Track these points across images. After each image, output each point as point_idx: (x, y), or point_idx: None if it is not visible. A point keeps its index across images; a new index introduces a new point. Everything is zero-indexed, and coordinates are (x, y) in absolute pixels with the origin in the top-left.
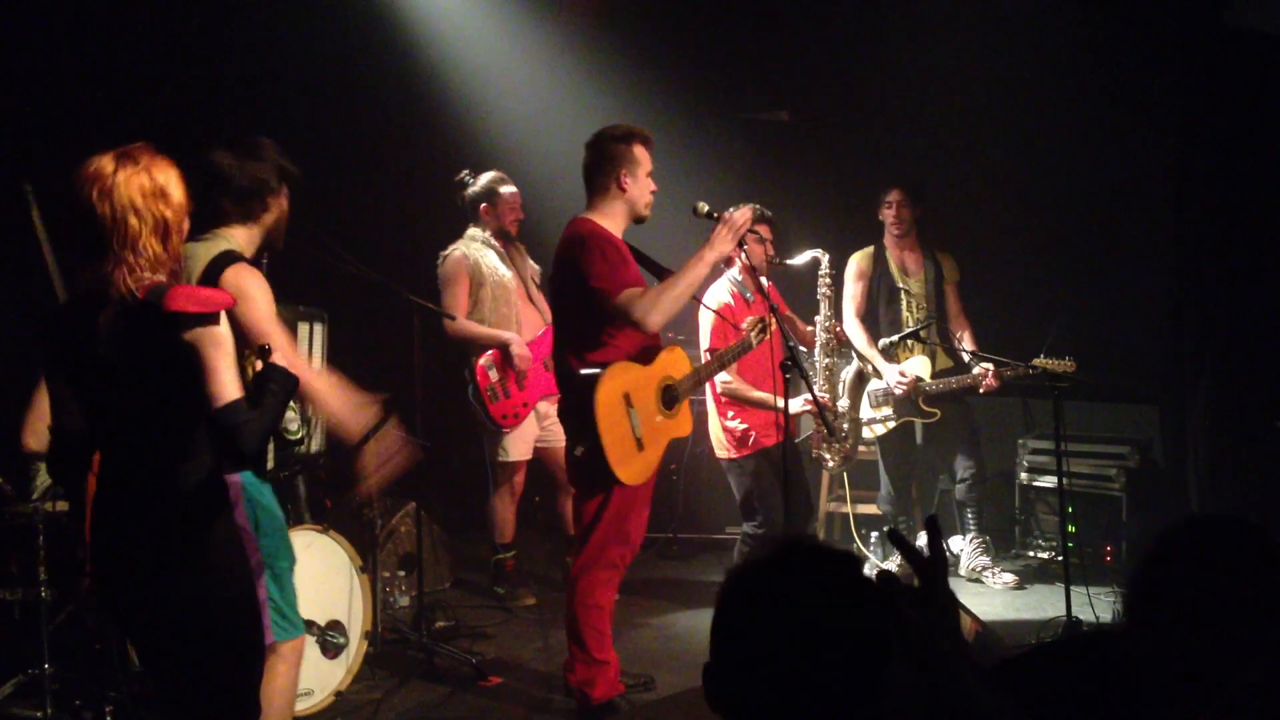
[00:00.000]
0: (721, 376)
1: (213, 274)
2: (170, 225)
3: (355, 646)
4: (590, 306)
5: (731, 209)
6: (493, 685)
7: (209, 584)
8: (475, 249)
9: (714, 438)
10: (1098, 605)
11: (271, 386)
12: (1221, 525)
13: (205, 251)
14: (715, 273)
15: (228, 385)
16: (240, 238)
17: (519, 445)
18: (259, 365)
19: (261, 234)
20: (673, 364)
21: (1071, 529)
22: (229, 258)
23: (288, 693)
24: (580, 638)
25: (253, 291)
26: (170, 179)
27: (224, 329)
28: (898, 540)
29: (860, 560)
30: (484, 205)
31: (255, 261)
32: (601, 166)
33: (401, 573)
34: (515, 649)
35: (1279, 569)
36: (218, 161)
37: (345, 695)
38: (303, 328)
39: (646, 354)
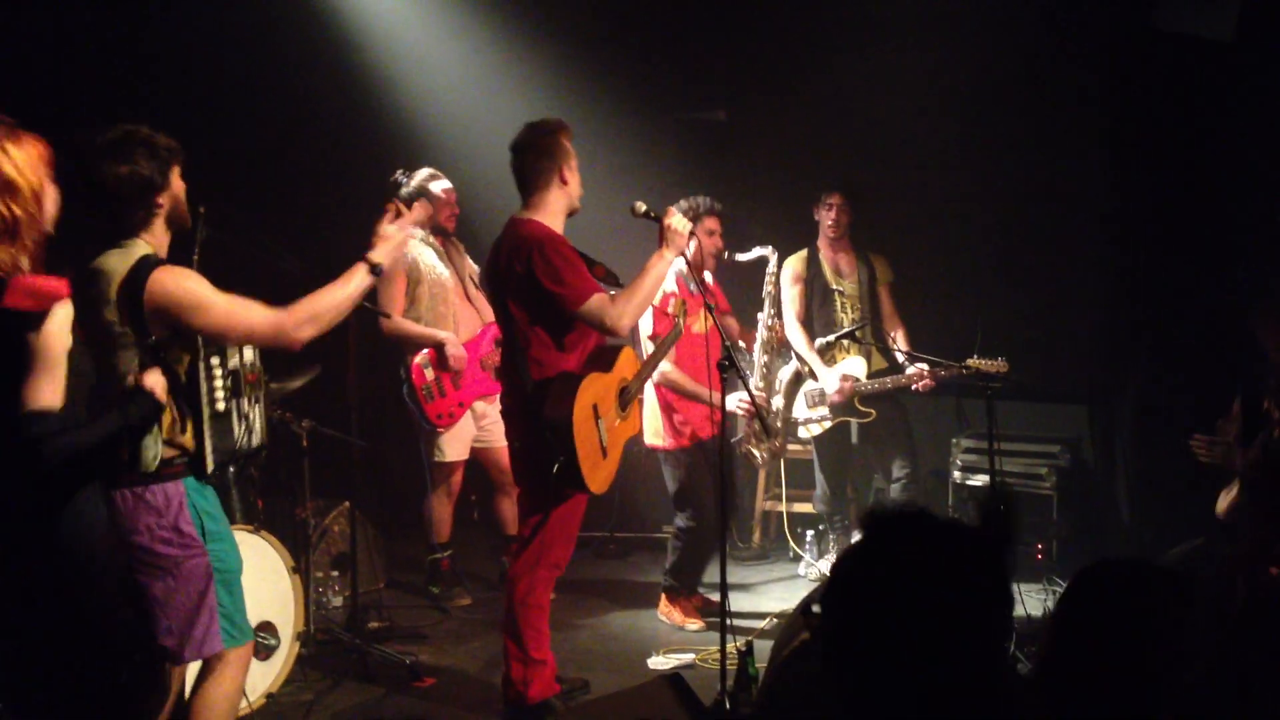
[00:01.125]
0: (660, 366)
1: (137, 284)
2: (19, 223)
3: (287, 648)
4: (549, 312)
5: (681, 203)
6: (427, 686)
7: (60, 577)
8: (413, 247)
9: (649, 428)
10: (1029, 603)
11: (128, 409)
12: (1124, 569)
13: (120, 263)
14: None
15: (41, 391)
16: (150, 239)
17: (456, 445)
18: (131, 381)
19: (165, 227)
20: (627, 365)
21: None
22: (148, 264)
23: (232, 699)
24: (519, 637)
25: (187, 290)
26: (22, 165)
27: (52, 329)
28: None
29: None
30: (417, 204)
31: (184, 259)
32: (542, 163)
33: (335, 573)
34: (450, 649)
35: (1179, 608)
36: (97, 172)
37: (277, 697)
38: None
39: (604, 356)
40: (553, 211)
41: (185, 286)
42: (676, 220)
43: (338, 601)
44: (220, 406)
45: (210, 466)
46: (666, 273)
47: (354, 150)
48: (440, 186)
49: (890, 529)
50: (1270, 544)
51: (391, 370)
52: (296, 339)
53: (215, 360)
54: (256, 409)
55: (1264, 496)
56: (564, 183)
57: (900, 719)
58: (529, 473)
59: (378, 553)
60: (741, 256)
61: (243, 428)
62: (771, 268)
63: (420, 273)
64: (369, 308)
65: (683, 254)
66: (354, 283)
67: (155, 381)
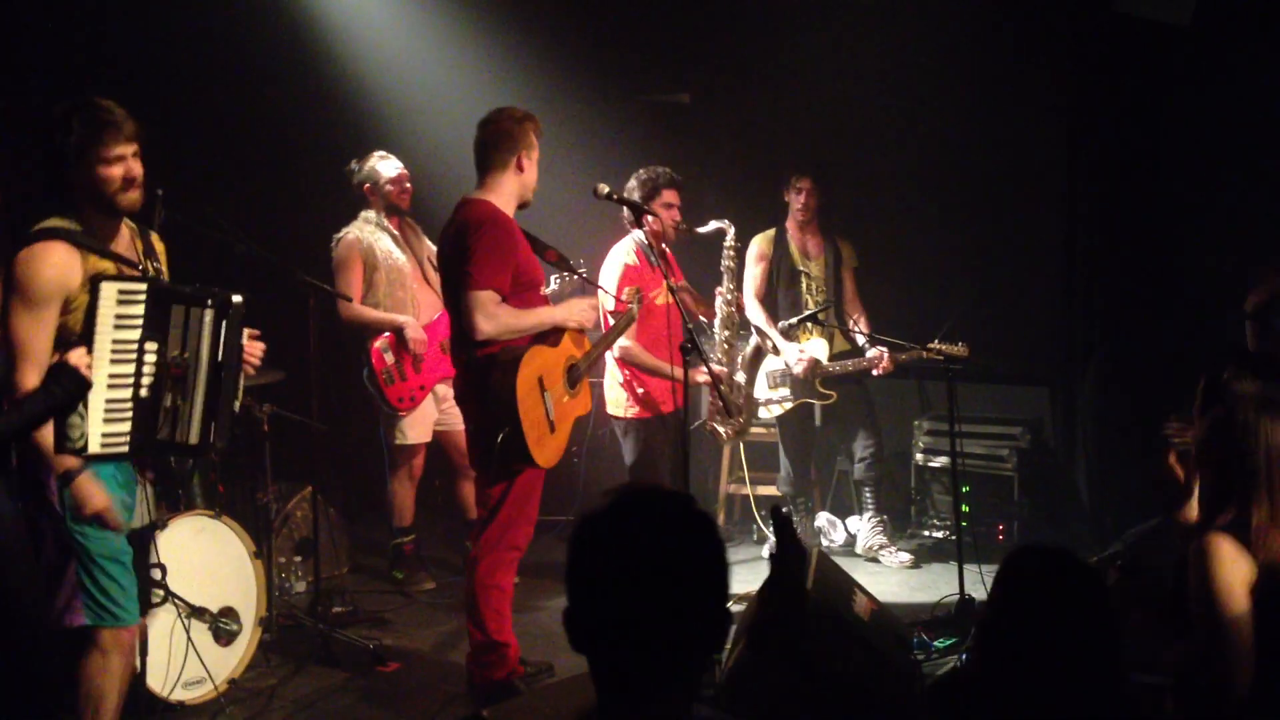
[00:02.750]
0: (621, 342)
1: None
2: None
3: (249, 633)
4: None
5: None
6: (391, 671)
7: None
8: (368, 232)
9: (610, 398)
10: (990, 582)
11: (51, 387)
12: (1040, 558)
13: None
14: (621, 231)
15: None
16: (88, 210)
17: (417, 428)
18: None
19: (93, 209)
20: (576, 342)
21: (965, 508)
22: (30, 237)
23: (105, 678)
24: (481, 620)
25: (16, 277)
26: None
27: None
28: (780, 523)
29: (693, 498)
30: (367, 186)
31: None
32: (502, 144)
33: (298, 558)
34: (414, 634)
35: (1094, 594)
36: (45, 136)
37: (239, 683)
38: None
39: (551, 334)
40: (504, 194)
41: (18, 273)
42: (577, 314)
43: (300, 586)
44: (144, 393)
45: (92, 446)
46: (550, 320)
47: (313, 133)
48: (386, 166)
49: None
50: (1217, 513)
51: (352, 353)
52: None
53: (151, 346)
54: (190, 405)
55: (1212, 465)
56: (520, 170)
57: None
58: (483, 454)
59: (341, 537)
60: (700, 229)
61: (167, 422)
62: (729, 240)
63: (376, 259)
64: (328, 290)
65: (644, 222)
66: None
67: (79, 359)
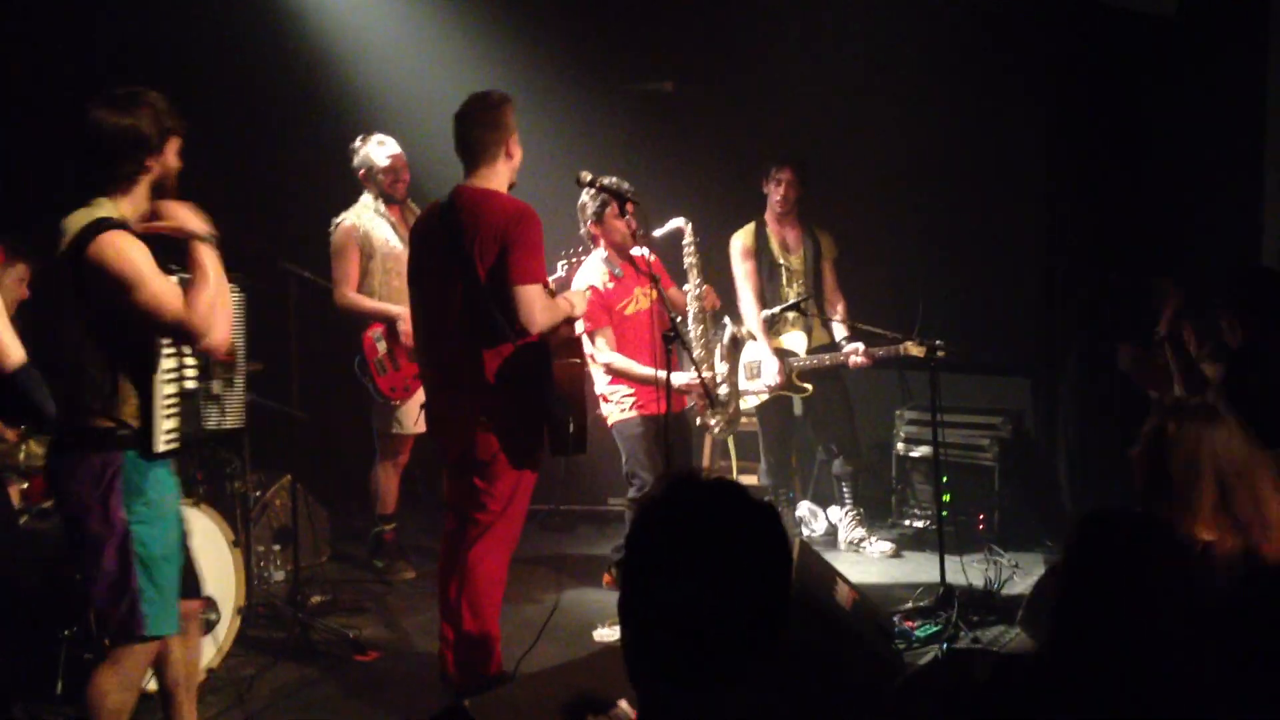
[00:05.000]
0: (604, 357)
1: (81, 245)
2: None
3: (228, 623)
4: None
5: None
6: (370, 660)
7: None
8: (366, 219)
9: (603, 410)
10: (971, 572)
11: None
12: (1120, 523)
13: (77, 221)
14: (585, 252)
15: None
16: (122, 203)
17: (413, 418)
18: None
19: (148, 195)
20: None
21: (946, 498)
22: (100, 226)
23: (128, 690)
24: (481, 614)
25: (120, 264)
26: None
27: None
28: None
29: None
30: (362, 172)
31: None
32: (493, 133)
33: (276, 547)
34: (394, 623)
35: (1178, 557)
36: (92, 120)
37: (217, 672)
38: None
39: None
40: (501, 182)
41: (127, 258)
42: (579, 305)
43: (279, 575)
44: (189, 385)
45: (160, 445)
46: (567, 311)
47: (303, 121)
48: (381, 153)
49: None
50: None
51: (334, 340)
52: (203, 341)
53: None
54: (232, 391)
55: (1147, 472)
56: (509, 156)
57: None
58: (508, 448)
59: (320, 526)
60: (657, 232)
61: (215, 410)
62: (687, 238)
63: (373, 246)
64: (315, 280)
65: (599, 240)
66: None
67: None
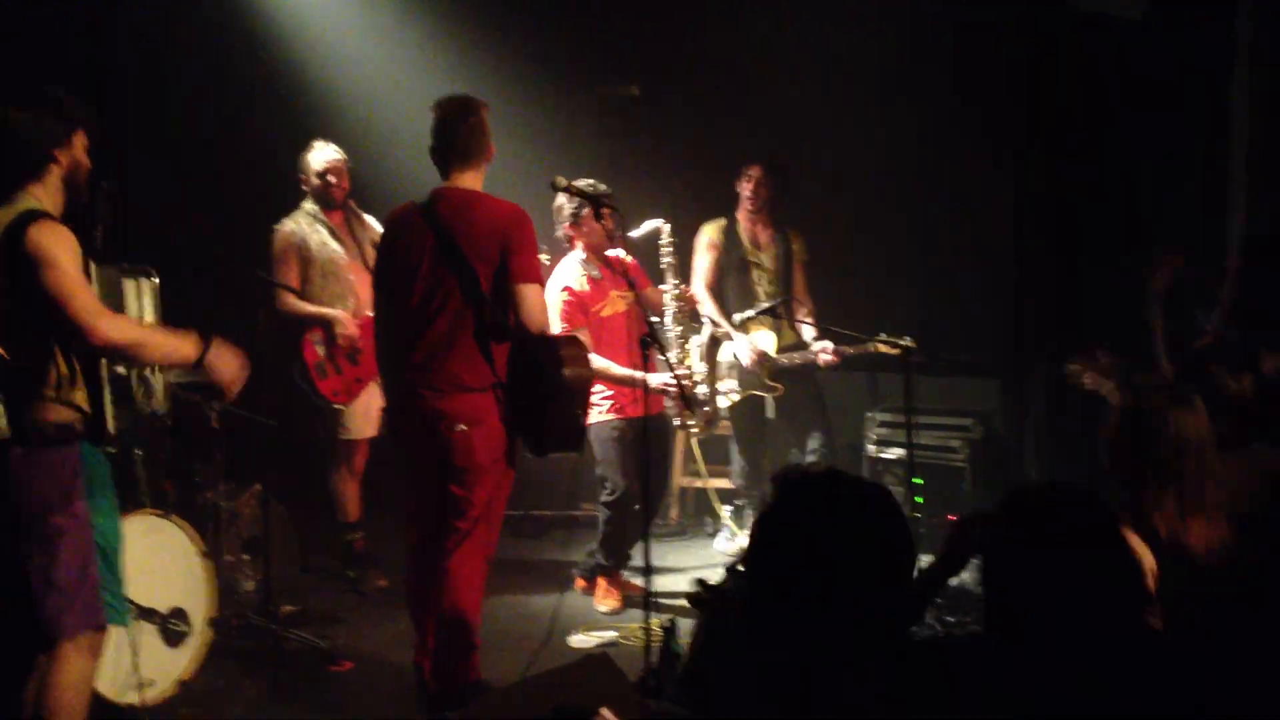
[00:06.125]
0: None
1: (16, 236)
2: None
3: (199, 634)
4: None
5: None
6: (345, 670)
7: None
8: (304, 224)
9: None
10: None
11: None
12: (1051, 496)
13: (4, 216)
14: (561, 253)
15: None
16: (41, 196)
17: (359, 422)
18: None
19: (60, 189)
20: None
21: (919, 499)
22: (30, 216)
23: (86, 684)
24: (466, 624)
25: (54, 253)
26: None
27: None
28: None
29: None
30: (301, 177)
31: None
32: (479, 137)
33: (246, 556)
34: (368, 633)
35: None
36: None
37: (190, 685)
38: (129, 285)
39: None
40: (479, 185)
41: (51, 241)
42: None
43: (250, 585)
44: (120, 369)
45: (111, 428)
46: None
47: (258, 124)
48: (320, 159)
49: (801, 489)
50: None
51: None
52: (101, 342)
53: None
54: (158, 373)
55: (1122, 456)
56: (488, 160)
57: (823, 650)
58: (489, 453)
59: (291, 535)
60: (634, 233)
61: (142, 390)
62: (665, 239)
63: (311, 253)
64: (270, 281)
65: (575, 242)
66: (176, 349)
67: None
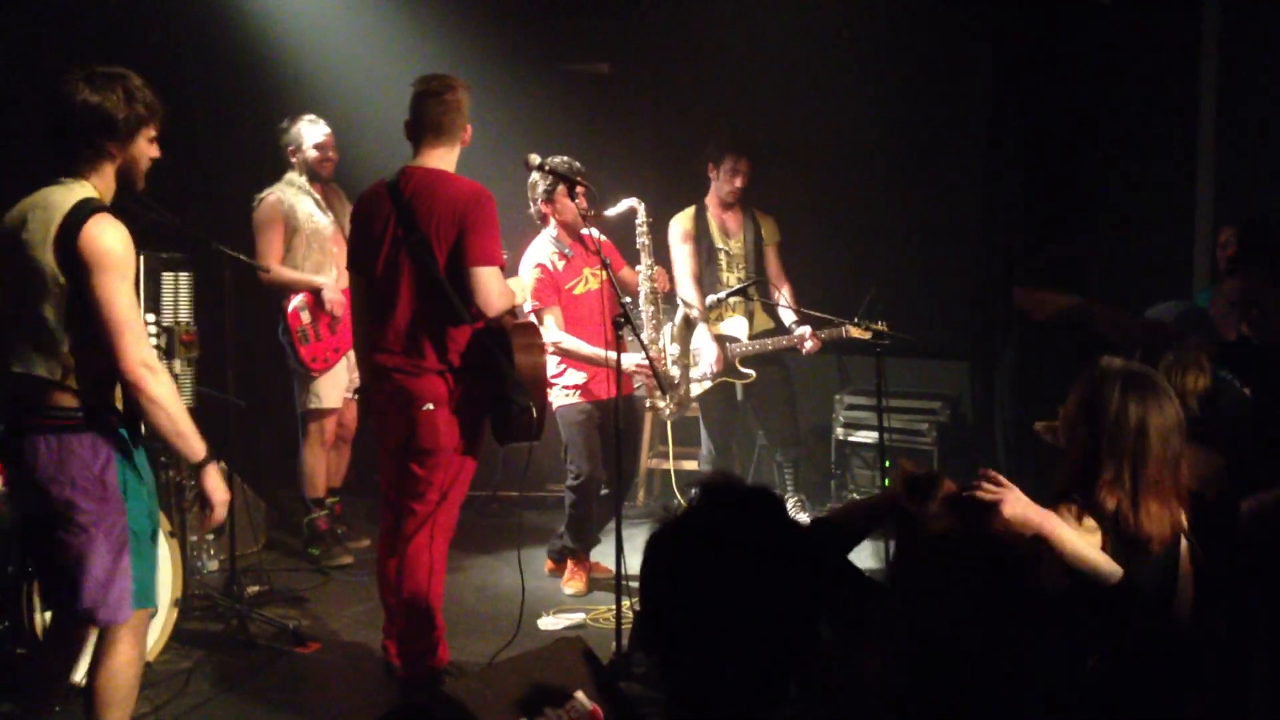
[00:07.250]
0: (552, 336)
1: (72, 226)
2: None
3: (164, 615)
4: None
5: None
6: (311, 652)
7: None
8: (290, 194)
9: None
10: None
11: None
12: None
13: (62, 199)
14: (534, 230)
15: None
16: (96, 182)
17: (330, 391)
18: None
19: (116, 176)
20: None
21: (888, 483)
22: (88, 207)
23: (136, 665)
24: (429, 608)
25: (110, 255)
26: None
27: None
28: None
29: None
30: (291, 149)
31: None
32: (454, 115)
33: (210, 536)
34: (334, 613)
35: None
36: (62, 93)
37: (154, 666)
38: (168, 277)
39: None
40: (451, 165)
41: (108, 243)
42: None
43: (214, 565)
44: None
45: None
46: (514, 298)
47: (235, 101)
48: (312, 132)
49: (709, 504)
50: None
51: (265, 324)
52: (133, 383)
53: (150, 317)
54: (189, 370)
55: (1078, 441)
56: (464, 141)
57: (717, 687)
58: (452, 435)
59: (256, 514)
60: (610, 211)
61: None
62: (640, 219)
63: (298, 221)
64: (246, 262)
65: (549, 218)
66: (188, 437)
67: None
